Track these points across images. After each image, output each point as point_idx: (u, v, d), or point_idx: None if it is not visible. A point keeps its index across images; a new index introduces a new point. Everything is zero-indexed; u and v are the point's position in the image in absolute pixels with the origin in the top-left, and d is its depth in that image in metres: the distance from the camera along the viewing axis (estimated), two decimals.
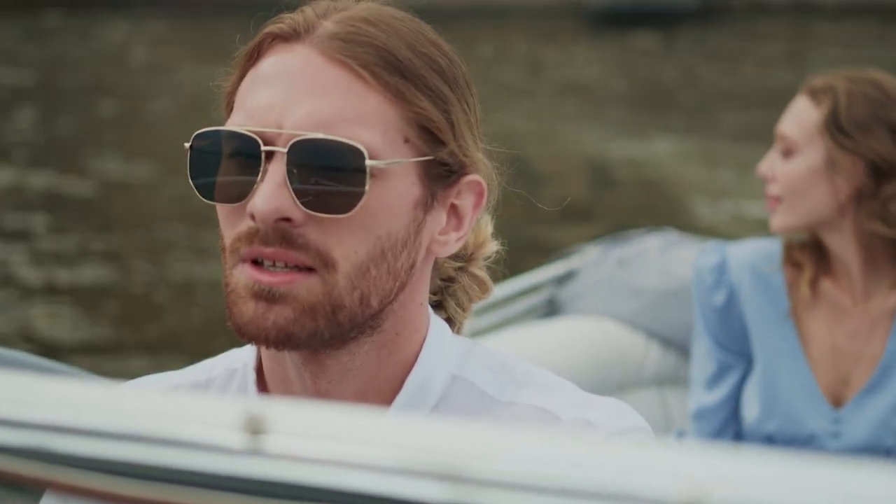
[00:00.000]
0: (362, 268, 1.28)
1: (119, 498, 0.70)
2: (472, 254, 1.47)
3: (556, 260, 3.67)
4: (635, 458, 0.60)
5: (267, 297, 1.26)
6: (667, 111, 14.14)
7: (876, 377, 2.72)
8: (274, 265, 1.27)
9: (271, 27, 1.33)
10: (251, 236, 1.27)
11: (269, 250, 1.26)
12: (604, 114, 13.88)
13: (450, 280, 1.47)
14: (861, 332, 2.75)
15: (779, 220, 2.71)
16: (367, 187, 1.26)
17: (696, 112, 14.09)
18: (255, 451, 0.68)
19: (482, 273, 1.49)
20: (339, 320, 1.28)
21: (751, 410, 2.79)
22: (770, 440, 2.76)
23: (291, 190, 1.26)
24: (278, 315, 1.26)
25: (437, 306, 1.46)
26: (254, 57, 1.33)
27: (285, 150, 1.26)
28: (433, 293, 1.44)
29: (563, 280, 3.59)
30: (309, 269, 1.27)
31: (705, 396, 2.85)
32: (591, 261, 3.55)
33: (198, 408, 0.70)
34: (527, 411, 1.35)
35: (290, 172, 1.26)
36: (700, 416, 2.86)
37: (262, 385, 1.39)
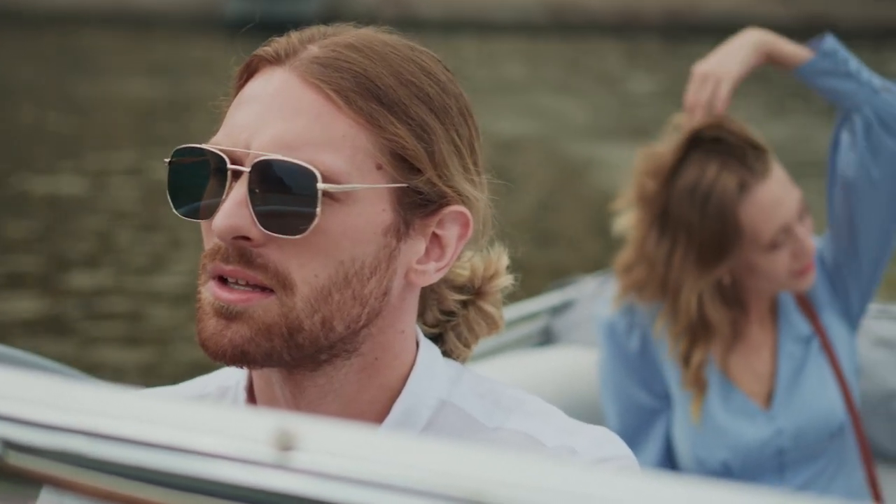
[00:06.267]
0: (323, 292, 1.28)
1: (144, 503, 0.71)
2: (479, 287, 1.45)
3: (553, 289, 3.67)
4: (649, 489, 0.61)
5: (226, 314, 1.28)
6: None
7: (783, 375, 2.86)
8: (236, 283, 1.28)
9: (259, 50, 1.35)
10: (215, 253, 1.29)
11: (229, 268, 1.28)
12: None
13: (450, 313, 1.45)
14: (758, 345, 2.90)
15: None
16: (318, 209, 1.26)
17: None
18: (282, 466, 0.69)
19: (492, 308, 1.45)
20: (297, 342, 1.28)
21: (695, 445, 2.81)
22: (726, 466, 2.79)
23: (251, 209, 1.27)
24: (234, 333, 1.27)
25: (437, 338, 1.44)
26: (242, 78, 1.36)
27: (248, 169, 1.28)
28: (432, 325, 1.44)
29: (559, 310, 3.59)
30: (268, 290, 1.28)
31: (640, 457, 2.85)
32: (588, 293, 3.55)
33: (230, 419, 0.70)
34: (512, 437, 1.35)
35: (251, 192, 1.27)
36: None
37: (253, 402, 1.39)
